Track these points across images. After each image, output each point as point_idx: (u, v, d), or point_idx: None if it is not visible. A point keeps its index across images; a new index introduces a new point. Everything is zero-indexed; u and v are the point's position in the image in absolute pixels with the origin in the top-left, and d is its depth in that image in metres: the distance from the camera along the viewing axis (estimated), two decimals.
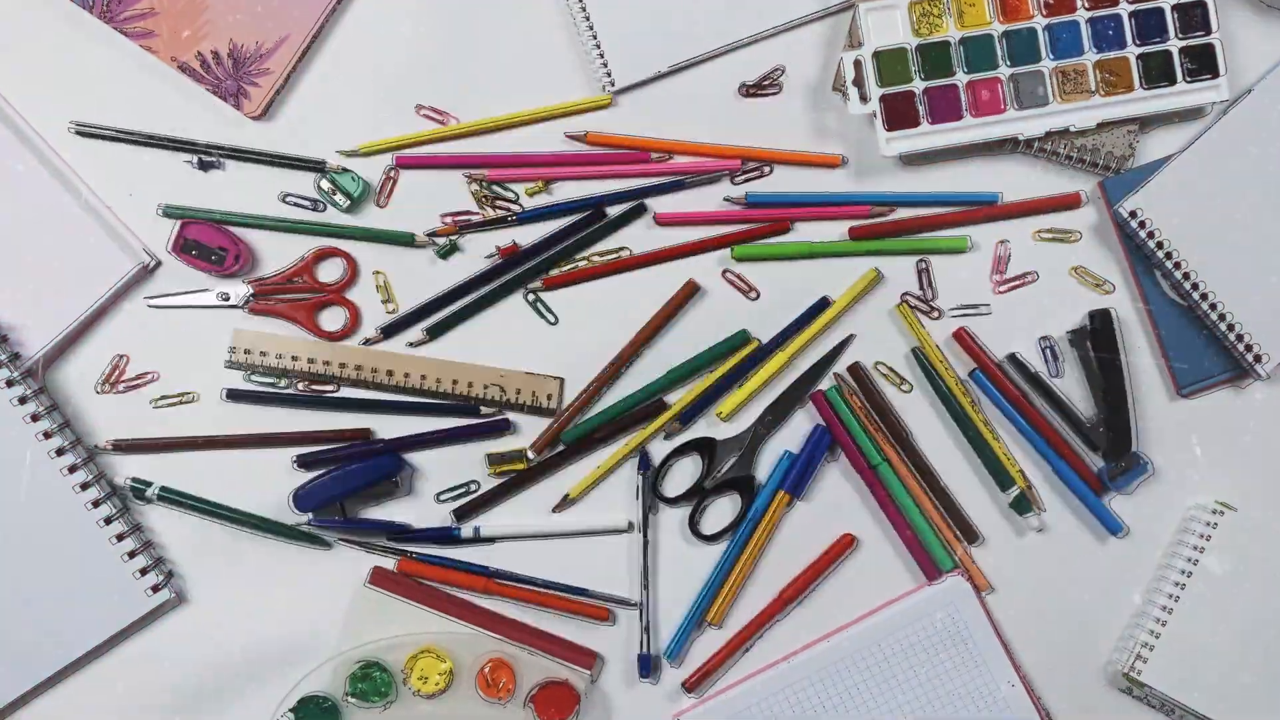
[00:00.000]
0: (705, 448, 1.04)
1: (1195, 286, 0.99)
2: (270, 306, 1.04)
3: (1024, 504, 1.02)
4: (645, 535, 1.04)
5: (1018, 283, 1.04)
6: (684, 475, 1.05)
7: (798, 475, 1.03)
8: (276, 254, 1.06)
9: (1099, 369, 1.02)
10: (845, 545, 1.04)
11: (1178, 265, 0.99)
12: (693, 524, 1.04)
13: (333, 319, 1.06)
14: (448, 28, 1.05)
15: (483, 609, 1.04)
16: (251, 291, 1.04)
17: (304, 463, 1.04)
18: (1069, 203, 1.04)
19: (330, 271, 1.06)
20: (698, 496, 1.04)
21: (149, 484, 1.04)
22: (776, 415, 1.04)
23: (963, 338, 1.04)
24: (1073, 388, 1.04)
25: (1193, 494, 1.03)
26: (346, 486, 1.02)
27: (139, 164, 1.05)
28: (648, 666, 1.03)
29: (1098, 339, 1.01)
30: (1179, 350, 1.02)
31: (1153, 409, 1.03)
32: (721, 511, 1.05)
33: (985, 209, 1.04)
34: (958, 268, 1.05)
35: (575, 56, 1.05)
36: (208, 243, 1.03)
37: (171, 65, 1.03)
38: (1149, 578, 1.03)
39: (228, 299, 1.04)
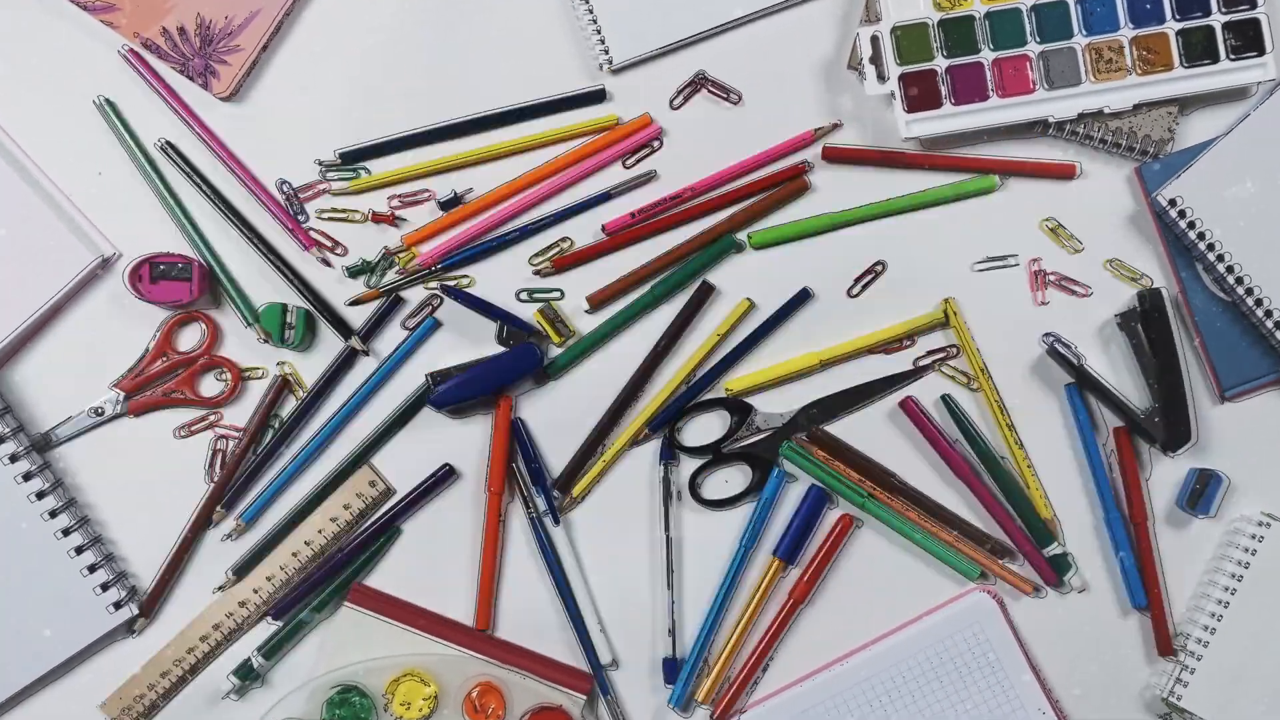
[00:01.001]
0: (739, 410, 0.98)
1: (1240, 281, 0.95)
2: (150, 399, 0.98)
3: (1064, 564, 0.98)
4: (668, 533, 0.98)
5: (1066, 289, 0.99)
6: (704, 433, 1.00)
7: (792, 541, 0.98)
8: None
9: (1152, 353, 0.96)
10: (846, 527, 0.98)
11: (1220, 258, 0.95)
12: (693, 486, 0.99)
13: (211, 382, 1.00)
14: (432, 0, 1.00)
15: (470, 629, 1.00)
16: (122, 394, 0.98)
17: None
18: (1063, 173, 0.98)
19: (189, 338, 1.00)
20: (711, 456, 0.99)
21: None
22: (823, 413, 0.98)
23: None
24: (1123, 381, 0.98)
25: (1237, 505, 0.99)
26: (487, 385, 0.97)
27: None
28: (674, 672, 0.98)
29: (1149, 321, 0.96)
30: (1222, 349, 0.98)
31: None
32: (725, 483, 1.00)
33: (979, 161, 0.99)
34: (998, 286, 0.99)
35: (570, 31, 1.00)
36: (168, 263, 0.97)
37: (135, 42, 0.99)
38: (1189, 595, 0.99)
39: (103, 413, 0.98)
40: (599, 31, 0.98)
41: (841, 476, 0.97)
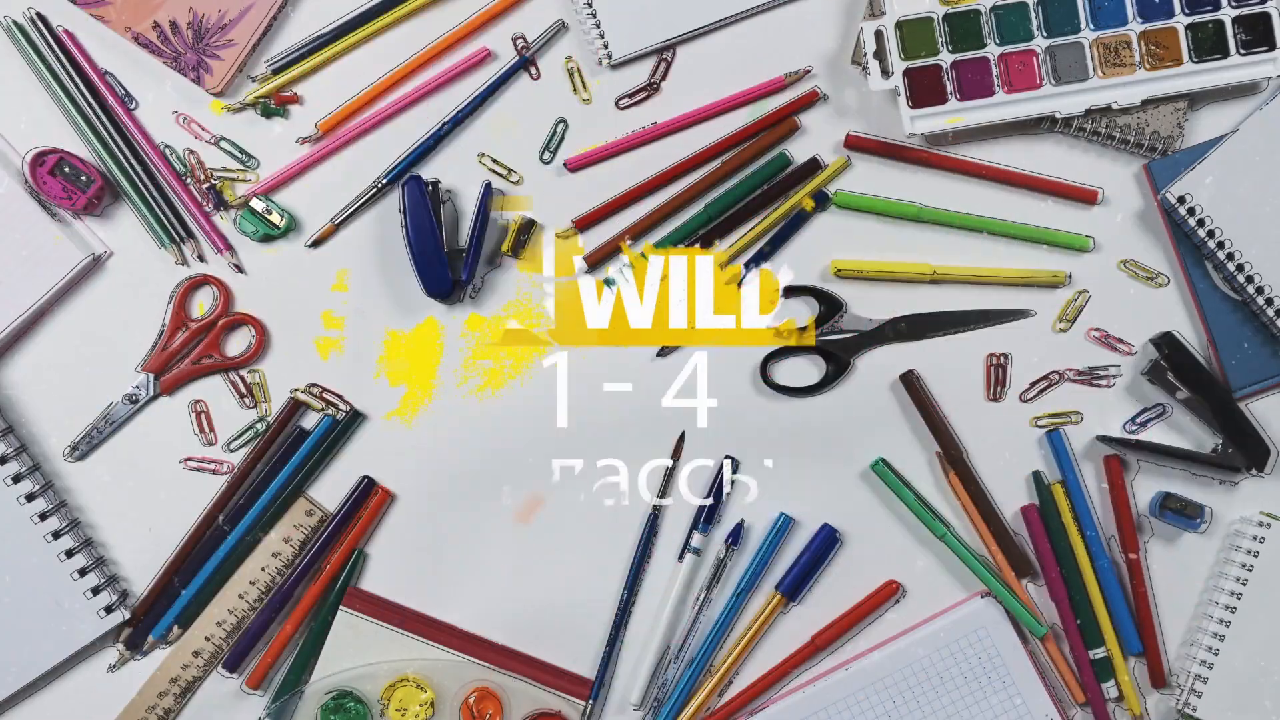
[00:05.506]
0: (829, 302, 0.97)
1: (1250, 279, 0.94)
2: (182, 373, 0.97)
3: (1107, 670, 0.97)
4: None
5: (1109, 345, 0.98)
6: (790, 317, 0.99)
7: (796, 579, 0.97)
8: None
9: (1196, 391, 0.95)
10: (889, 592, 0.98)
11: (1230, 256, 0.94)
12: (764, 371, 0.97)
13: (239, 338, 0.99)
14: None
15: (467, 633, 0.98)
16: (151, 376, 0.97)
17: None
18: (1085, 198, 0.97)
19: (203, 304, 0.99)
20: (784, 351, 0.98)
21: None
22: (912, 329, 0.97)
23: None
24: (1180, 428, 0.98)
25: (1238, 506, 0.98)
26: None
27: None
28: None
29: (1177, 366, 0.95)
30: (1232, 349, 0.96)
31: None
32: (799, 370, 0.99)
33: (1004, 173, 0.97)
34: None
35: (569, 26, 0.98)
36: (75, 166, 0.95)
37: (126, 36, 0.97)
38: (1195, 600, 0.98)
39: (138, 399, 0.97)
40: (598, 25, 0.96)
41: (924, 509, 0.96)
